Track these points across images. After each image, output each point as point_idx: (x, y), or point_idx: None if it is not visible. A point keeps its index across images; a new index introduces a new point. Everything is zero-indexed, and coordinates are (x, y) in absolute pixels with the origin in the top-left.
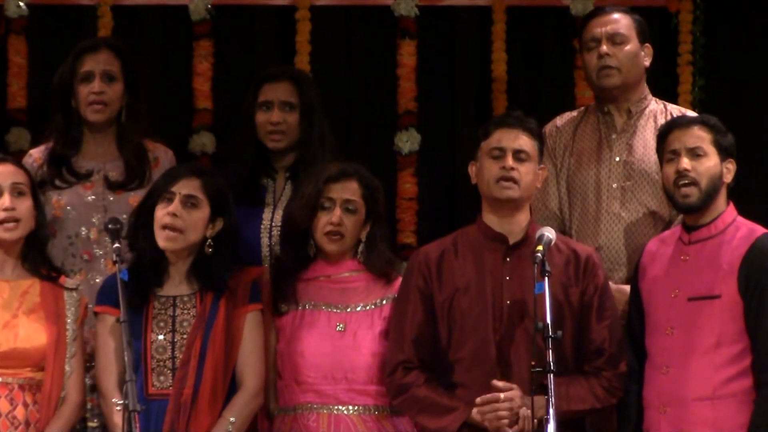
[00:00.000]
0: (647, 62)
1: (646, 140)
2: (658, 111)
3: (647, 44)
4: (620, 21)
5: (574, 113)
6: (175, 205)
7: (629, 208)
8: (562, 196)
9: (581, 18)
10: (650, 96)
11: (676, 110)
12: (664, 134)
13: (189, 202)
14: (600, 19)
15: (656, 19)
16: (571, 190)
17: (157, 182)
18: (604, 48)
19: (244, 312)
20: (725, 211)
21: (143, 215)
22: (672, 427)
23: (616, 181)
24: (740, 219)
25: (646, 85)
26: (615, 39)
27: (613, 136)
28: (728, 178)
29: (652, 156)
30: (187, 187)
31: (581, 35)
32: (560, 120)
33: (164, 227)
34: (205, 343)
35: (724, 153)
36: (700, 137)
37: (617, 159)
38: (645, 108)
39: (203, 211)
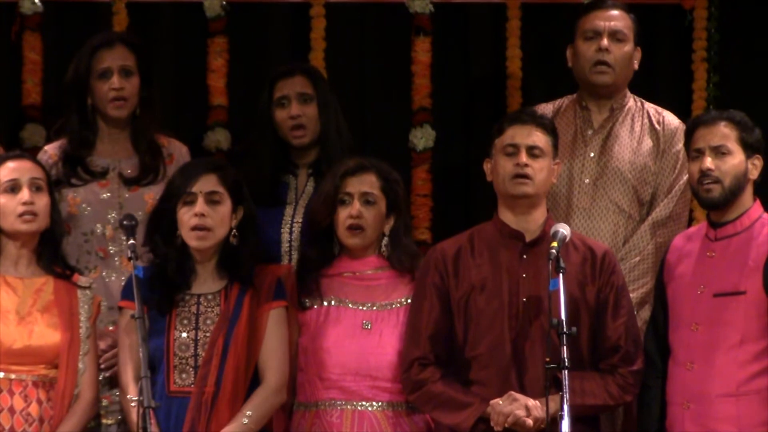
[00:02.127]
0: (636, 65)
1: (621, 139)
2: (635, 109)
3: (638, 47)
4: (623, 19)
5: (549, 106)
6: (201, 205)
7: (599, 204)
8: None
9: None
10: (629, 93)
11: (653, 109)
12: (689, 131)
13: (212, 199)
14: (603, 12)
15: (671, 16)
16: None
17: (172, 184)
18: (605, 42)
19: (267, 309)
20: (751, 208)
21: (161, 219)
22: (695, 424)
23: (589, 176)
24: (766, 215)
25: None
26: (616, 36)
27: (589, 132)
28: (754, 174)
29: (626, 155)
30: (207, 184)
31: (579, 24)
32: (538, 111)
33: (193, 228)
34: (228, 342)
35: (749, 150)
36: (725, 135)
37: (591, 155)
38: (624, 106)
39: (226, 205)
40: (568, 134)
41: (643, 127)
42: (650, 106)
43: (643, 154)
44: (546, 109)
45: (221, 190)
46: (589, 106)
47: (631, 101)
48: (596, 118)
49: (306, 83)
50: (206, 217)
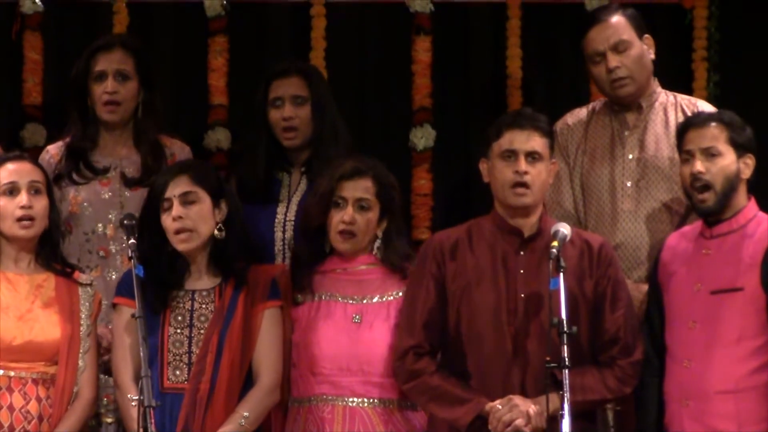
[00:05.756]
0: (652, 55)
1: (657, 135)
2: (668, 103)
3: (646, 36)
4: (618, 26)
5: (583, 110)
6: (177, 209)
7: (644, 205)
8: (576, 194)
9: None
10: (659, 88)
11: (686, 101)
12: (681, 132)
13: (187, 200)
14: (599, 30)
15: (671, 15)
16: (585, 189)
17: (150, 193)
18: (613, 63)
19: (262, 308)
20: (746, 206)
21: (148, 223)
22: (694, 421)
23: (630, 178)
24: (761, 214)
25: (654, 78)
26: (619, 48)
27: (626, 133)
28: (746, 173)
29: (665, 151)
30: (178, 186)
31: (583, 48)
32: (571, 118)
33: (176, 233)
34: (223, 339)
35: (740, 149)
36: (714, 136)
37: (630, 156)
38: (655, 101)
39: (204, 203)
40: (606, 137)
41: (677, 119)
42: (683, 98)
43: None
44: (580, 113)
45: (195, 189)
46: (621, 108)
47: (662, 95)
48: (630, 118)
49: (301, 85)
50: (185, 219)
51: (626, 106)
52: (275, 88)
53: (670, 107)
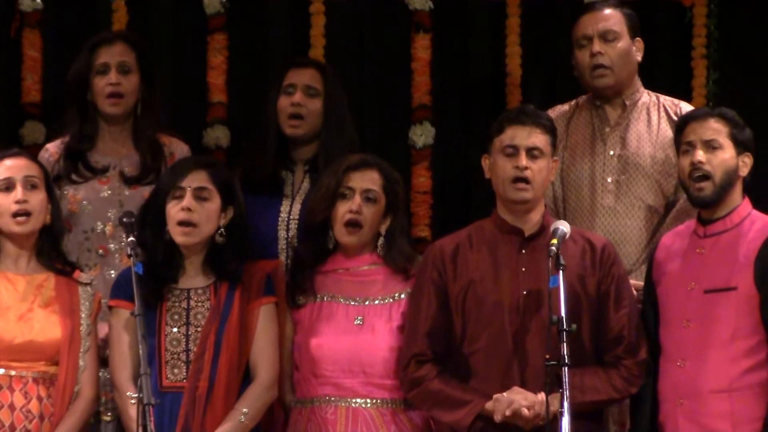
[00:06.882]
0: (639, 57)
1: (639, 133)
2: (651, 103)
3: (638, 38)
4: (612, 17)
5: (566, 106)
6: (188, 200)
7: (624, 201)
8: (556, 189)
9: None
10: (642, 88)
11: (669, 102)
12: (681, 126)
13: (200, 195)
14: (591, 16)
15: (670, 13)
16: (565, 184)
17: (162, 179)
18: (596, 47)
19: (257, 305)
20: (740, 205)
21: (151, 213)
22: (689, 420)
23: (611, 174)
24: (755, 212)
25: (638, 78)
26: (607, 36)
27: (607, 130)
28: (744, 171)
29: (646, 149)
30: (196, 180)
31: (573, 33)
32: (553, 113)
33: (180, 223)
34: (220, 336)
35: (740, 146)
36: (716, 130)
37: (611, 153)
38: (638, 101)
39: (215, 202)
40: (587, 133)
41: (660, 119)
42: (666, 99)
43: (663, 147)
44: (562, 109)
45: (210, 186)
46: (603, 105)
47: (645, 95)
48: (612, 115)
49: (316, 77)
50: (193, 212)
51: (607, 100)
52: (290, 76)
53: (652, 107)
